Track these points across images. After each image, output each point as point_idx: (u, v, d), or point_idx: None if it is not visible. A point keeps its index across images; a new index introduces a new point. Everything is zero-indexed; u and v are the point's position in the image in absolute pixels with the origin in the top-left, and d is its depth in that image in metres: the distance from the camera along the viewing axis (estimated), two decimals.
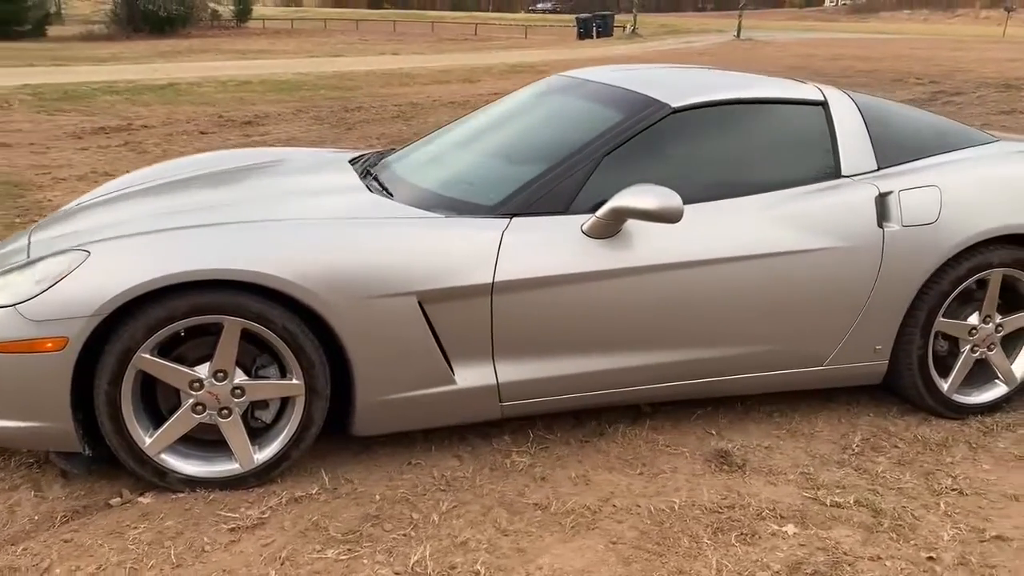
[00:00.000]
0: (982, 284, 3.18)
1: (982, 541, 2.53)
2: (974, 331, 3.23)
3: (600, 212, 2.76)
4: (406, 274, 2.61)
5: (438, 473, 2.79)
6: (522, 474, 2.81)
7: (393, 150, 3.79)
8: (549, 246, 2.76)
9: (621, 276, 2.79)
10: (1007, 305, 3.31)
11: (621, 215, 2.73)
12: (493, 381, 2.78)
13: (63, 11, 57.61)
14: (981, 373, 3.34)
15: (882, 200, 3.04)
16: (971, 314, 3.24)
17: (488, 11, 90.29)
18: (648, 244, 2.82)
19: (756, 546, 2.46)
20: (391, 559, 2.35)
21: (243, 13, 48.31)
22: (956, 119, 4.08)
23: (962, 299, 3.23)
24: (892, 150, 3.22)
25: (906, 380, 3.23)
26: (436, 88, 16.23)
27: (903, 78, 17.15)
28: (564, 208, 2.83)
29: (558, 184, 2.84)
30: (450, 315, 2.68)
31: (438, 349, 2.69)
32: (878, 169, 3.16)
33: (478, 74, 19.28)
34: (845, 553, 2.43)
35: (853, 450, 3.03)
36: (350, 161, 3.57)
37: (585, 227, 2.77)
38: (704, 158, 3.08)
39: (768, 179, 3.07)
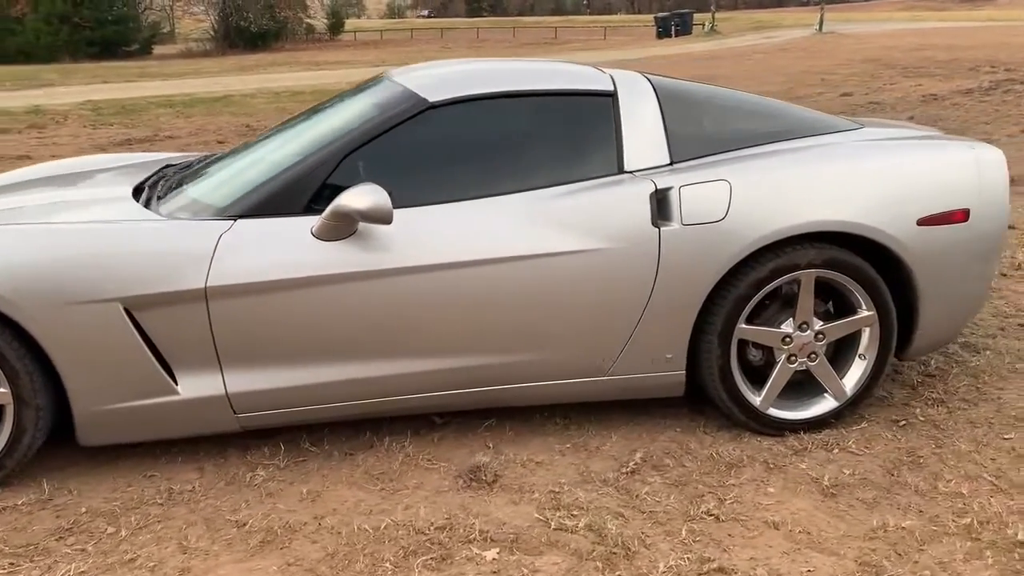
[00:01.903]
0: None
1: (700, 574, 2.27)
2: (788, 339, 2.93)
3: (325, 213, 2.63)
4: (110, 280, 2.54)
5: (167, 486, 2.71)
6: (253, 489, 2.70)
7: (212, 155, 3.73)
8: (276, 249, 2.65)
9: (359, 280, 2.65)
10: (838, 311, 2.99)
11: (340, 216, 2.59)
12: (222, 391, 2.68)
13: (176, 30, 60.67)
14: (812, 386, 3.03)
15: (659, 197, 2.79)
16: (786, 320, 2.93)
17: (586, 15, 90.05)
18: (391, 246, 2.67)
19: (442, 572, 2.28)
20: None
21: (336, 26, 49.80)
22: (1009, 109, 3.75)
23: (782, 304, 2.94)
24: (696, 143, 2.96)
25: (711, 393, 2.96)
26: None
27: (978, 67, 16.23)
28: (299, 209, 2.70)
29: (292, 185, 2.72)
30: (165, 322, 2.60)
31: (152, 357, 2.61)
32: (671, 164, 2.90)
33: None
34: None
35: (629, 468, 2.79)
36: (163, 168, 3.52)
37: (314, 229, 2.65)
38: (466, 155, 2.89)
39: (539, 176, 2.86)
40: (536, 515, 2.53)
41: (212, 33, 43.12)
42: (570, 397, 2.97)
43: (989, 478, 2.71)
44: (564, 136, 2.94)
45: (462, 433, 3.03)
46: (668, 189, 2.79)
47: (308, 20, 49.89)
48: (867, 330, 2.96)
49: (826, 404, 3.02)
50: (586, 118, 2.94)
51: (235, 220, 2.67)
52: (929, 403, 3.20)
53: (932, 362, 3.56)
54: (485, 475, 2.73)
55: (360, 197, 2.53)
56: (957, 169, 2.96)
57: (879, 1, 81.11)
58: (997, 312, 4.10)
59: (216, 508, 2.60)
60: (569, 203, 2.78)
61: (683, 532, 2.45)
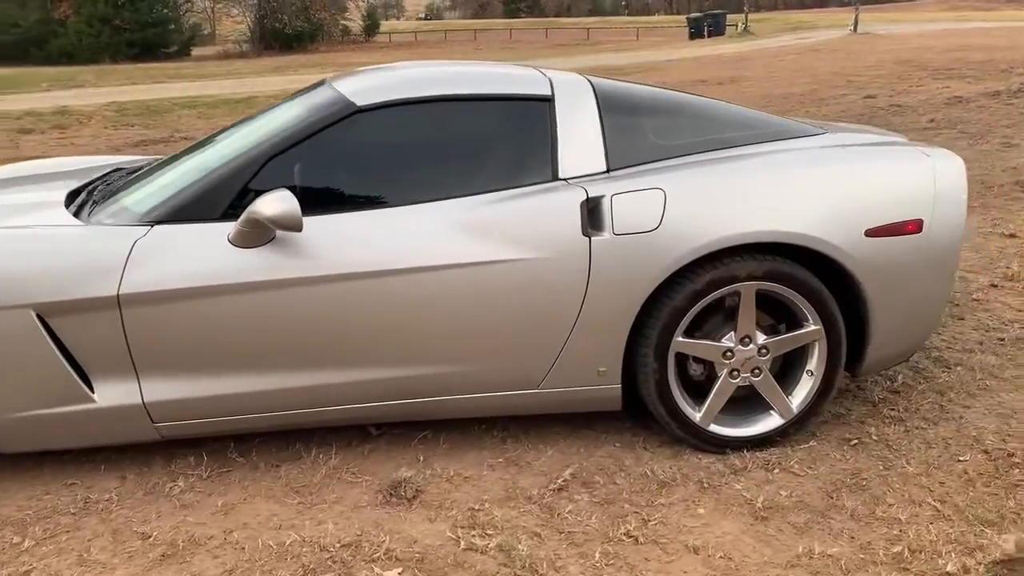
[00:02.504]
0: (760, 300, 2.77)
1: None
2: (730, 354, 2.82)
3: (240, 219, 2.57)
4: (22, 285, 2.51)
5: (84, 495, 2.68)
6: (169, 500, 2.66)
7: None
8: (192, 256, 2.60)
9: (277, 288, 2.59)
10: (786, 325, 2.87)
11: (252, 223, 2.54)
12: (138, 400, 2.64)
13: (216, 32, 61.52)
14: (758, 402, 2.91)
15: (590, 206, 2.69)
16: (728, 334, 2.82)
17: (624, 15, 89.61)
18: (311, 254, 2.61)
19: None
20: None
21: (371, 28, 50.05)
22: None
23: (725, 317, 2.83)
24: (637, 150, 2.86)
25: (649, 407, 2.86)
26: None
27: (1012, 68, 15.81)
28: (218, 215, 2.65)
29: (211, 190, 2.67)
30: (79, 329, 2.56)
31: (67, 365, 2.57)
32: (607, 171, 2.80)
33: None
34: None
35: (557, 485, 2.70)
36: (109, 172, 3.49)
37: (230, 235, 2.59)
38: (395, 160, 2.82)
39: (470, 182, 2.78)
40: (449, 534, 2.45)
41: (248, 35, 43.58)
42: (503, 410, 2.88)
43: (933, 503, 2.57)
44: (497, 142, 2.86)
45: (394, 445, 2.96)
46: (600, 197, 2.69)
47: (344, 22, 50.25)
48: (815, 345, 2.84)
49: (771, 421, 2.90)
50: (521, 123, 2.85)
51: (152, 226, 2.63)
52: (887, 421, 3.07)
53: (899, 377, 3.41)
54: (406, 491, 2.65)
55: (270, 204, 2.47)
56: (911, 178, 2.83)
57: (924, 1, 79.57)
58: (979, 325, 3.94)
59: (127, 519, 2.55)
60: (497, 211, 2.70)
61: (597, 555, 2.36)
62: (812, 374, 2.87)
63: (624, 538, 2.43)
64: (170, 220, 2.64)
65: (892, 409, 3.15)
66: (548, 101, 2.85)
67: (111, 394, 2.63)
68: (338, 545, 2.40)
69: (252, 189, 2.67)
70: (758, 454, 2.86)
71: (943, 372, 3.46)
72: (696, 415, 2.85)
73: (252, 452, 2.92)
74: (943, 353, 3.63)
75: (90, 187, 3.18)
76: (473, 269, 2.65)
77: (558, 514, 2.55)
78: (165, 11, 45.65)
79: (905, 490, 2.65)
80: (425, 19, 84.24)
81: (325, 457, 2.87)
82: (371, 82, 2.93)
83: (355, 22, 50.28)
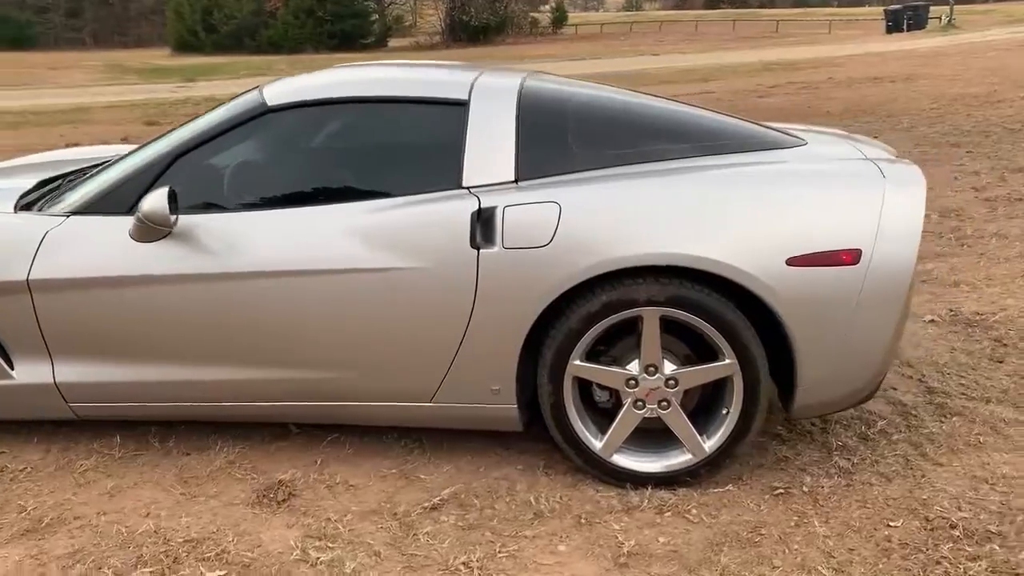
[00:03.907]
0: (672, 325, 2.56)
1: None
2: (634, 382, 2.61)
3: (135, 215, 2.66)
4: None
5: (3, 463, 2.87)
6: (73, 476, 2.80)
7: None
8: (95, 247, 2.71)
9: (168, 283, 2.66)
10: (705, 357, 2.63)
11: (137, 219, 2.61)
12: (51, 380, 2.80)
13: (418, 24, 64.09)
14: (674, 437, 2.69)
15: (481, 217, 2.57)
16: (634, 362, 2.62)
17: (834, 7, 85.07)
18: (203, 251, 2.66)
19: None
20: None
21: (559, 20, 50.35)
22: None
23: (638, 343, 2.64)
24: (556, 161, 2.68)
25: (550, 432, 2.71)
26: (656, 88, 15.77)
27: None
28: (125, 210, 2.75)
29: (121, 185, 2.78)
30: (1, 310, 2.74)
31: None
32: (515, 181, 2.66)
33: (721, 73, 18.43)
34: None
35: (432, 503, 2.61)
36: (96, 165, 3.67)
37: (129, 230, 2.68)
38: (301, 161, 2.81)
39: (373, 187, 2.73)
40: (292, 542, 2.43)
41: (440, 27, 45.05)
42: (400, 421, 2.82)
43: (825, 572, 2.27)
44: (406, 146, 2.79)
45: (302, 446, 2.97)
46: (493, 209, 2.56)
47: (533, 14, 50.84)
48: (732, 381, 2.58)
49: (684, 459, 2.66)
50: (432, 128, 2.76)
51: (67, 217, 2.76)
52: (831, 472, 2.74)
53: (879, 423, 3.04)
54: (279, 493, 2.66)
55: (146, 201, 2.53)
56: (850, 204, 2.50)
57: None
58: (1018, 371, 3.43)
59: (23, 491, 2.71)
60: (390, 217, 2.63)
61: None
62: (728, 413, 2.61)
63: (461, 568, 2.31)
64: (84, 212, 2.76)
65: (847, 459, 2.81)
66: (462, 106, 2.74)
67: (27, 372, 2.80)
68: (182, 540, 2.44)
69: (161, 186, 2.73)
70: (662, 493, 2.64)
71: (936, 422, 3.04)
72: (597, 444, 2.66)
73: (171, 439, 3.02)
74: (951, 399, 3.20)
75: (64, 178, 3.38)
76: (358, 275, 2.60)
77: (413, 534, 2.46)
78: (365, 3, 47.94)
79: (801, 553, 2.35)
80: (629, 10, 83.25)
81: (229, 451, 2.92)
82: (293, 84, 2.93)
83: (545, 14, 50.75)
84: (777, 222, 2.48)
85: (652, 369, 2.59)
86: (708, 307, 2.48)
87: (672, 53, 26.51)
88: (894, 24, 30.32)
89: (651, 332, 2.55)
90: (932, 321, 3.97)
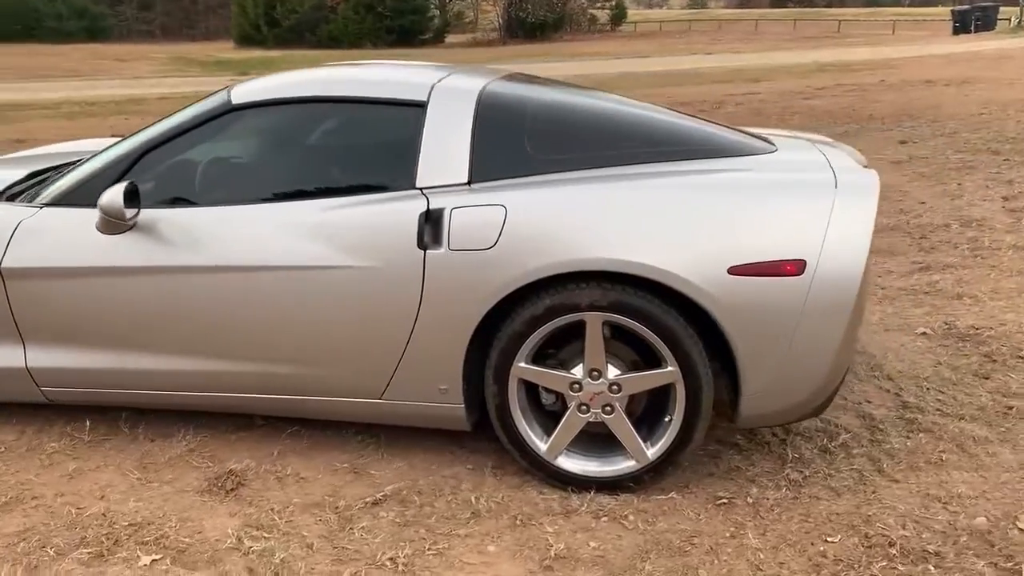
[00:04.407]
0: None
1: None
2: (578, 386, 2.62)
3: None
4: None
5: None
6: (41, 458, 2.91)
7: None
8: (64, 238, 2.81)
9: (128, 275, 2.75)
10: (648, 362, 2.63)
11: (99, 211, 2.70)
12: (23, 364, 2.91)
13: (479, 20, 64.31)
14: (619, 442, 2.70)
15: (430, 218, 2.60)
16: (579, 365, 2.63)
17: (905, 7, 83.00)
18: (162, 245, 2.74)
19: (88, 568, 2.34)
20: None
21: (617, 17, 50.05)
22: None
23: (584, 346, 2.64)
24: (511, 164, 2.69)
25: (496, 433, 2.73)
26: (702, 88, 15.61)
27: None
28: (94, 202, 2.83)
29: (91, 178, 2.87)
30: None
31: None
32: (468, 183, 2.68)
33: (772, 74, 18.14)
34: None
35: (374, 499, 2.66)
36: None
37: (96, 222, 2.78)
38: (261, 158, 2.88)
39: (329, 185, 2.78)
40: (230, 531, 2.50)
41: (497, 24, 45.17)
42: (353, 417, 2.87)
43: None
44: (364, 145, 2.83)
45: (264, 436, 3.04)
46: (440, 210, 2.59)
47: (592, 11, 50.63)
48: (675, 389, 2.57)
49: (628, 464, 2.66)
50: (390, 128, 2.80)
51: (40, 208, 2.87)
52: (780, 484, 2.71)
53: (842, 436, 3.00)
54: (228, 482, 2.73)
55: (104, 194, 2.62)
56: (797, 215, 2.47)
57: None
58: (1000, 389, 3.34)
59: None
60: (342, 216, 2.67)
61: (347, 575, 2.30)
62: (671, 421, 2.60)
63: (387, 563, 2.35)
64: (57, 204, 2.87)
65: (799, 471, 2.78)
66: (420, 107, 2.76)
67: (1, 356, 2.91)
68: (127, 523, 2.52)
69: (128, 180, 2.82)
70: (603, 498, 2.64)
71: (901, 437, 2.98)
72: (542, 446, 2.68)
73: (140, 425, 3.12)
74: (923, 415, 3.13)
75: (55, 170, 3.50)
76: (309, 272, 2.65)
77: (349, 528, 2.51)
78: None
79: (729, 564, 2.34)
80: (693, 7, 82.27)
81: (191, 439, 3.01)
82: (261, 83, 2.98)
83: (603, 11, 50.51)
84: (720, 230, 2.46)
85: (596, 373, 2.59)
86: (650, 314, 2.47)
87: (726, 52, 26.17)
88: (961, 25, 29.45)
89: (594, 337, 2.55)
90: (924, 334, 3.88)
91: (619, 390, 2.60)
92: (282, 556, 2.37)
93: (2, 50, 42.60)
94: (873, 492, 2.66)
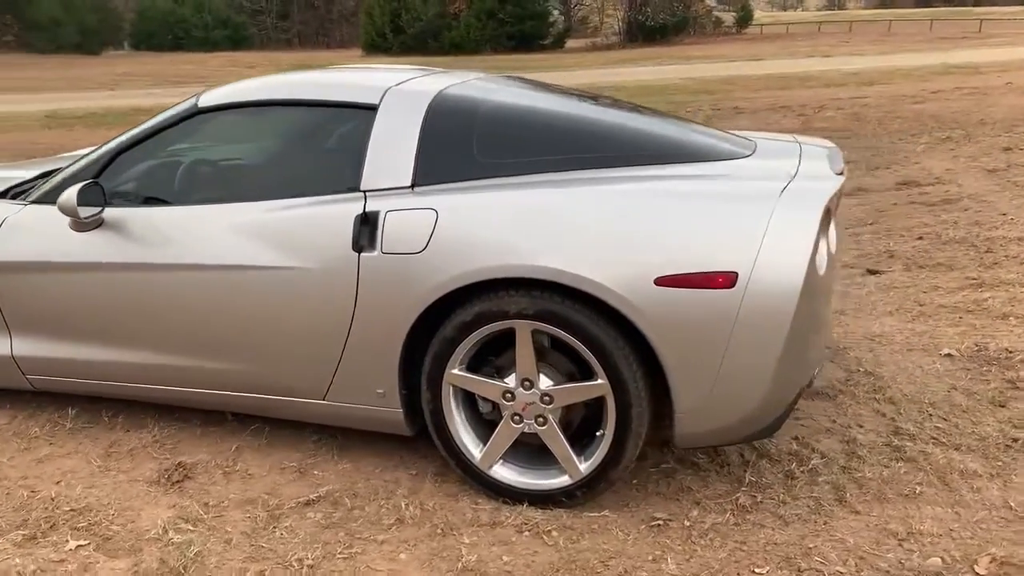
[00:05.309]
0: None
1: None
2: (510, 395, 2.57)
3: None
4: None
5: None
6: (19, 442, 3.08)
7: None
8: (43, 235, 2.96)
9: (95, 270, 2.87)
10: (585, 374, 2.54)
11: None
12: (8, 353, 3.09)
13: (601, 26, 64.15)
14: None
15: (366, 221, 2.60)
16: (512, 374, 2.57)
17: None
18: (122, 243, 2.84)
19: (20, 548, 2.44)
20: None
21: (743, 20, 48.88)
22: None
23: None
24: (455, 168, 2.64)
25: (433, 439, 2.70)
26: (809, 92, 15.03)
27: None
28: None
29: (71, 178, 3.01)
30: None
31: None
32: (411, 187, 2.66)
33: (890, 77, 17.28)
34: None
35: (307, 499, 2.67)
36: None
37: (68, 220, 2.91)
38: (218, 160, 2.95)
39: (277, 186, 2.82)
40: (161, 521, 2.56)
41: (617, 28, 44.92)
42: (301, 416, 2.90)
43: None
44: (316, 148, 2.86)
45: (228, 433, 3.11)
46: (376, 213, 2.59)
47: (717, 14, 49.63)
48: (607, 402, 2.47)
49: (563, 479, 2.58)
50: (342, 131, 2.81)
51: (25, 205, 3.03)
52: (726, 508, 2.57)
53: (813, 460, 2.82)
54: (176, 475, 2.80)
55: (63, 193, 2.74)
56: (732, 226, 2.33)
57: None
58: (1014, 419, 3.06)
59: None
60: (288, 216, 2.70)
61: (253, 572, 2.32)
62: (603, 435, 2.50)
63: (295, 564, 2.36)
64: (41, 202, 3.02)
65: (752, 495, 2.62)
66: (372, 110, 2.76)
67: None
68: (69, 508, 2.62)
69: (106, 179, 2.95)
70: (534, 512, 2.57)
71: (879, 466, 2.77)
72: (477, 455, 2.63)
73: (121, 415, 3.25)
74: (914, 443, 2.90)
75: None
76: (252, 272, 2.69)
77: (273, 528, 2.53)
78: (547, 4, 48.45)
79: None
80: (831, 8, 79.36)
81: (160, 431, 3.11)
82: (229, 87, 3.05)
83: (730, 14, 49.42)
84: (650, 239, 2.35)
85: (528, 383, 2.52)
86: (577, 324, 2.39)
87: (849, 55, 25.09)
88: None
89: (524, 345, 2.48)
90: (948, 355, 3.60)
91: (551, 401, 2.52)
92: (198, 550, 2.41)
93: (151, 58, 45.51)
94: (825, 523, 2.48)
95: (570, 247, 2.37)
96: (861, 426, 3.04)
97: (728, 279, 2.28)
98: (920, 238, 5.43)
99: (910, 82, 15.90)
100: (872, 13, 56.00)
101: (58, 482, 2.80)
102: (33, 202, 3.04)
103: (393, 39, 45.16)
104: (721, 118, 11.72)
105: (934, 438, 2.93)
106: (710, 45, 38.08)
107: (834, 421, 3.08)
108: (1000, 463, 2.76)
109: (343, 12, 72.05)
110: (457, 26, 44.81)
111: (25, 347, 3.07)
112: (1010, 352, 3.58)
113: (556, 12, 52.83)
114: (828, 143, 3.22)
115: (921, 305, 4.22)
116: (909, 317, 4.07)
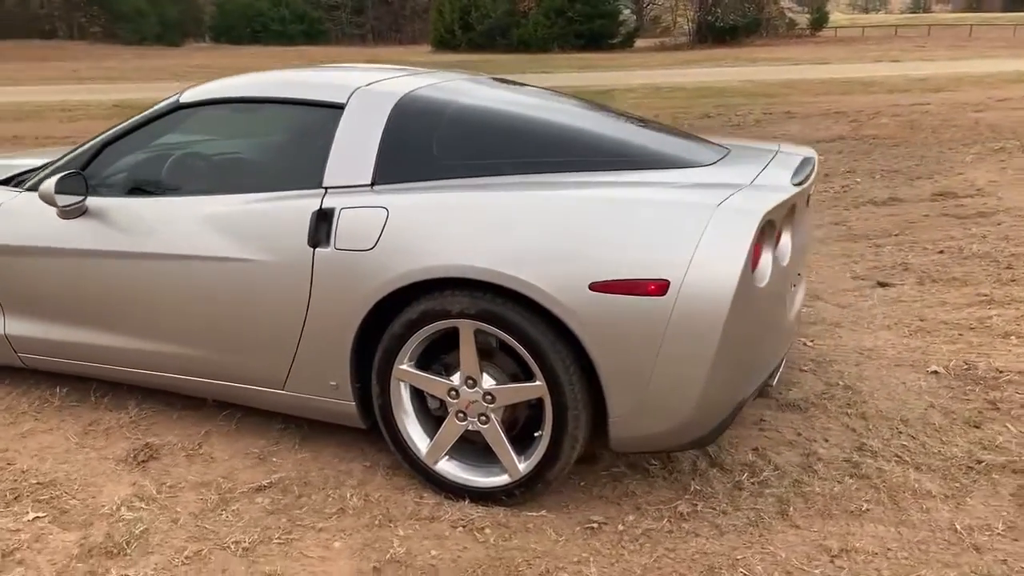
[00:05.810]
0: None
1: None
2: (454, 393, 2.62)
3: None
4: None
5: None
6: (8, 415, 3.24)
7: None
8: (34, 220, 3.12)
9: (75, 256, 3.01)
10: (528, 375, 2.58)
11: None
12: (1, 331, 3.26)
13: (674, 25, 63.54)
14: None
15: (323, 217, 2.67)
16: (457, 372, 2.62)
17: None
18: (105, 230, 2.97)
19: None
20: None
21: (818, 22, 47.90)
22: None
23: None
24: (415, 168, 2.70)
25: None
26: (868, 98, 14.67)
27: None
28: None
29: (60, 167, 3.16)
30: None
31: None
32: (371, 185, 2.72)
33: (957, 84, 16.76)
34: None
35: (260, 484, 2.76)
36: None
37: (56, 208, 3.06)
38: (198, 154, 3.05)
39: (243, 181, 2.91)
40: (117, 499, 2.68)
41: (687, 28, 44.46)
42: (262, 404, 2.98)
43: None
44: (284, 144, 2.94)
45: (202, 417, 3.22)
46: (331, 210, 2.66)
47: (791, 15, 48.72)
48: (545, 403, 2.50)
49: (502, 478, 2.62)
50: (310, 129, 2.88)
51: (21, 192, 3.19)
52: (664, 515, 2.57)
53: (765, 472, 2.80)
54: (143, 455, 2.92)
55: (44, 182, 2.88)
56: (667, 234, 2.33)
57: None
58: (981, 441, 2.99)
59: None
60: (248, 210, 2.79)
61: (190, 551, 2.42)
62: (541, 436, 2.53)
63: (232, 546, 2.45)
64: (34, 190, 3.18)
65: (694, 503, 2.62)
66: (339, 109, 2.84)
67: None
68: (35, 482, 2.76)
69: (91, 170, 3.09)
70: (474, 509, 2.61)
71: (830, 481, 2.74)
72: (423, 450, 2.68)
73: (107, 396, 3.39)
74: (874, 460, 2.86)
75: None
76: (213, 263, 2.79)
77: (221, 510, 2.63)
78: (617, 3, 48.19)
79: None
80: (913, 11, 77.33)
81: (139, 412, 3.24)
82: (211, 83, 3.15)
83: (802, 15, 48.46)
84: (587, 245, 2.36)
85: (471, 382, 2.57)
86: (516, 325, 2.42)
87: (920, 60, 24.38)
88: None
89: (467, 344, 2.53)
90: (935, 372, 3.52)
91: (493, 400, 2.56)
92: (142, 528, 2.51)
93: (228, 51, 46.71)
94: (761, 536, 2.46)
95: (509, 249, 2.40)
96: (826, 440, 3.00)
97: (660, 286, 2.29)
98: (941, 251, 5.29)
99: (978, 89, 15.40)
100: (955, 17, 54.24)
101: (34, 456, 2.94)
102: (28, 189, 3.20)
103: (462, 36, 45.48)
104: (771, 123, 11.55)
105: (897, 456, 2.88)
106: (780, 47, 37.40)
107: (799, 434, 3.04)
108: (958, 485, 2.70)
109: (416, 8, 72.80)
110: (526, 24, 44.88)
111: (16, 326, 3.23)
112: (999, 372, 3.49)
113: (627, 11, 52.51)
114: (809, 151, 3.18)
115: (922, 320, 4.12)
116: (907, 332, 3.98)
